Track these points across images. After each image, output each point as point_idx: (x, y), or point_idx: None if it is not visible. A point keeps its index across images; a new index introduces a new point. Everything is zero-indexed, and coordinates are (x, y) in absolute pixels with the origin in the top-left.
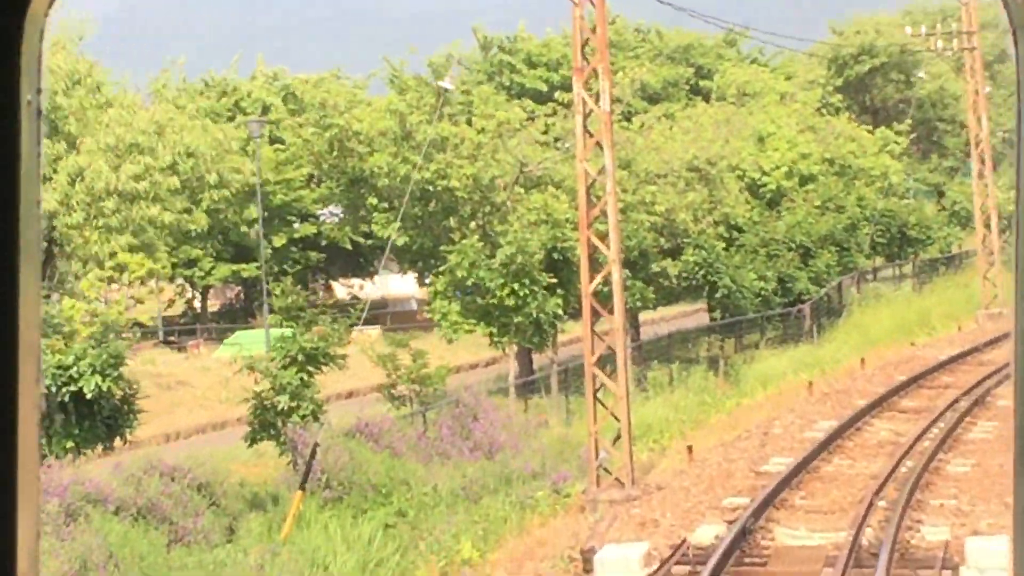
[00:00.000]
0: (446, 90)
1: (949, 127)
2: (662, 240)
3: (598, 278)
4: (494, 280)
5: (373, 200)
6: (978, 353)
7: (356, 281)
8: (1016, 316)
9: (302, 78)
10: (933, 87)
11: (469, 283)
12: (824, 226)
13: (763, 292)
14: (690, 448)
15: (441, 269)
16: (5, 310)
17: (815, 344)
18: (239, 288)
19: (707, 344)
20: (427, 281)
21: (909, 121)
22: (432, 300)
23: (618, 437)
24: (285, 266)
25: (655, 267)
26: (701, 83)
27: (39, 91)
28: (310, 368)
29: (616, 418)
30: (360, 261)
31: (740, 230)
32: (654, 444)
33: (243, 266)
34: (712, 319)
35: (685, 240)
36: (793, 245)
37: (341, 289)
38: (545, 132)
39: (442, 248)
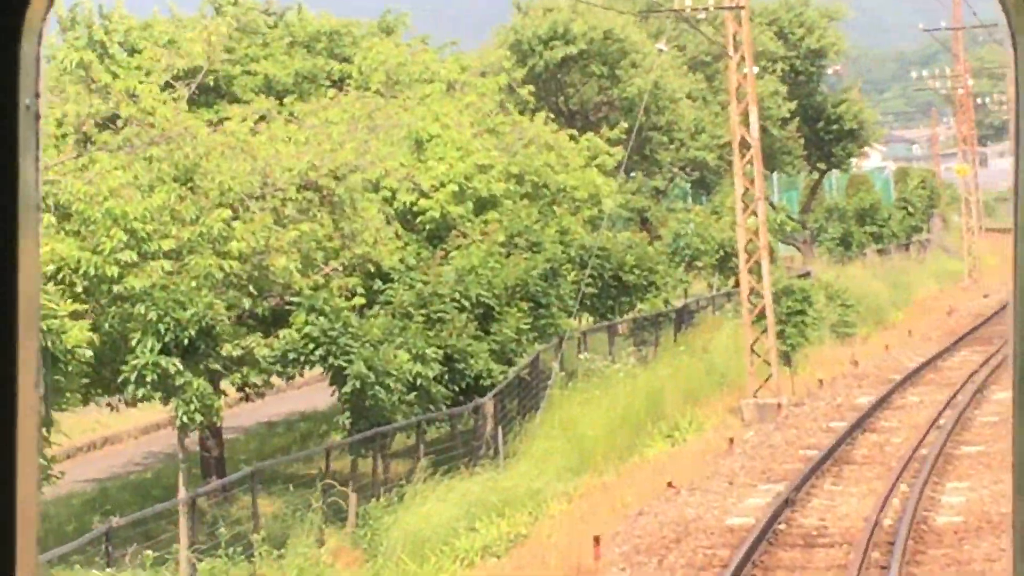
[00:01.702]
0: None
1: (664, 137)
2: (247, 302)
3: None
4: None
5: None
6: (793, 510)
7: None
8: (1014, 317)
9: None
10: (645, 84)
11: None
12: (513, 272)
13: (420, 379)
14: None
15: None
16: (4, 313)
17: (501, 463)
18: None
19: (328, 468)
20: None
21: (624, 125)
22: None
23: None
24: None
25: (233, 349)
26: (342, 68)
27: (37, 95)
28: None
29: None
30: None
31: (389, 280)
32: None
33: None
34: (341, 426)
35: (292, 300)
36: (467, 303)
37: None
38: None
39: None
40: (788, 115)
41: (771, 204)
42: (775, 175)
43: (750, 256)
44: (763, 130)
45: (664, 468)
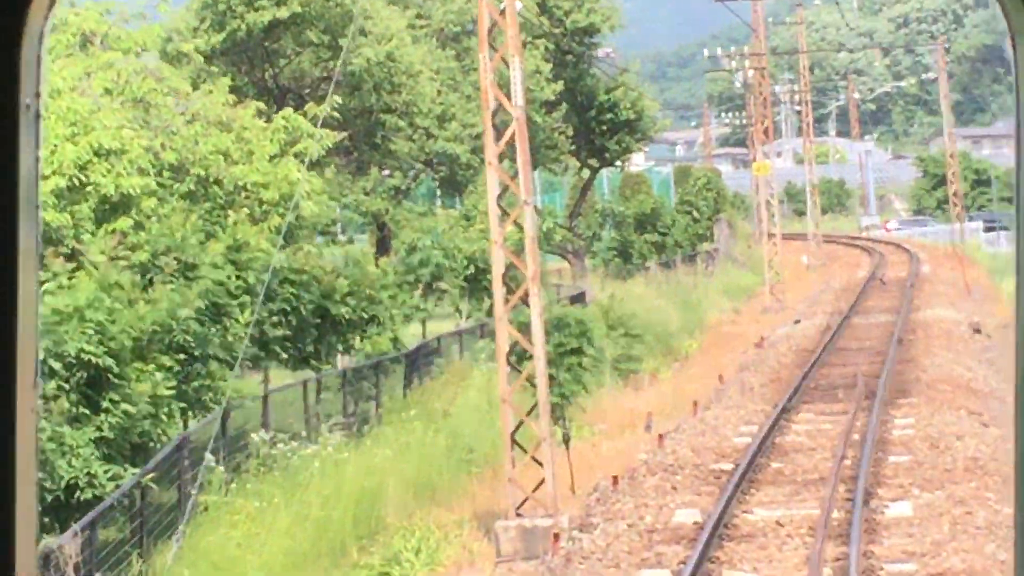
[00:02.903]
0: None
1: (401, 122)
2: None
3: None
4: None
5: None
6: None
7: None
8: (1017, 315)
9: None
10: (376, 56)
11: None
12: (149, 312)
13: None
14: None
15: None
16: (3, 312)
17: None
18: None
19: None
20: None
21: (338, 100)
22: None
23: None
24: None
25: None
26: None
27: (37, 95)
28: None
29: None
30: None
31: None
32: None
33: None
34: None
35: None
36: (59, 364)
37: None
38: None
39: None
40: (553, 98)
41: (535, 208)
42: (538, 172)
43: (511, 290)
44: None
45: None
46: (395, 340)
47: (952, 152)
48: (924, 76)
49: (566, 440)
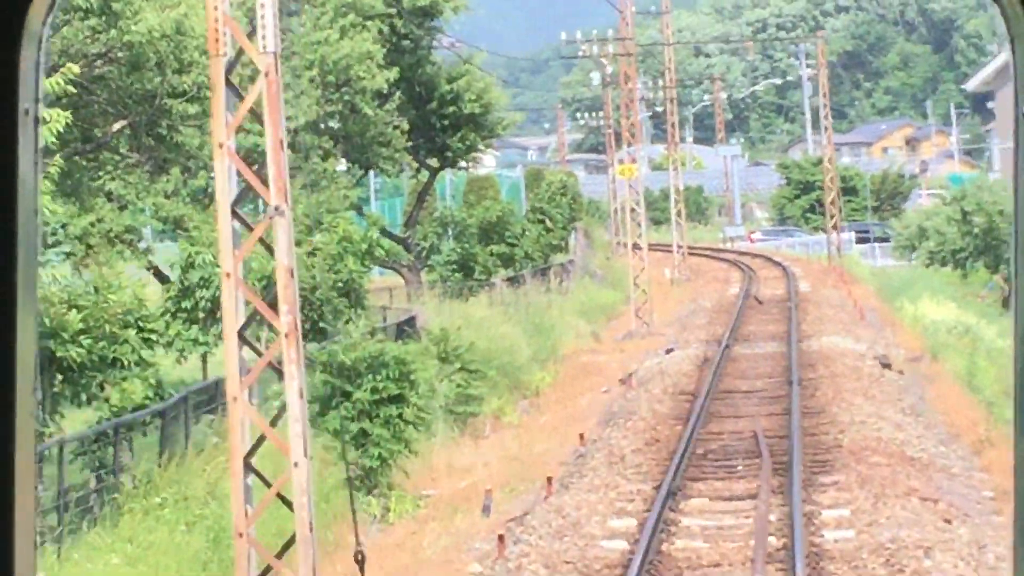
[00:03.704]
0: None
1: (191, 108)
2: None
3: None
4: None
5: None
6: None
7: None
8: (1016, 316)
9: None
10: (160, 26)
11: None
12: None
13: None
14: None
15: None
16: (2, 317)
17: None
18: None
19: None
20: None
21: (75, 69)
22: None
23: None
24: None
25: None
26: None
27: (37, 100)
28: None
29: None
30: None
31: None
32: None
33: None
34: None
35: None
36: None
37: None
38: None
39: None
40: (387, 87)
41: (359, 211)
42: (372, 175)
43: (259, 348)
44: (352, 109)
45: None
46: (156, 386)
47: (831, 156)
48: (784, 80)
49: (360, 560)
